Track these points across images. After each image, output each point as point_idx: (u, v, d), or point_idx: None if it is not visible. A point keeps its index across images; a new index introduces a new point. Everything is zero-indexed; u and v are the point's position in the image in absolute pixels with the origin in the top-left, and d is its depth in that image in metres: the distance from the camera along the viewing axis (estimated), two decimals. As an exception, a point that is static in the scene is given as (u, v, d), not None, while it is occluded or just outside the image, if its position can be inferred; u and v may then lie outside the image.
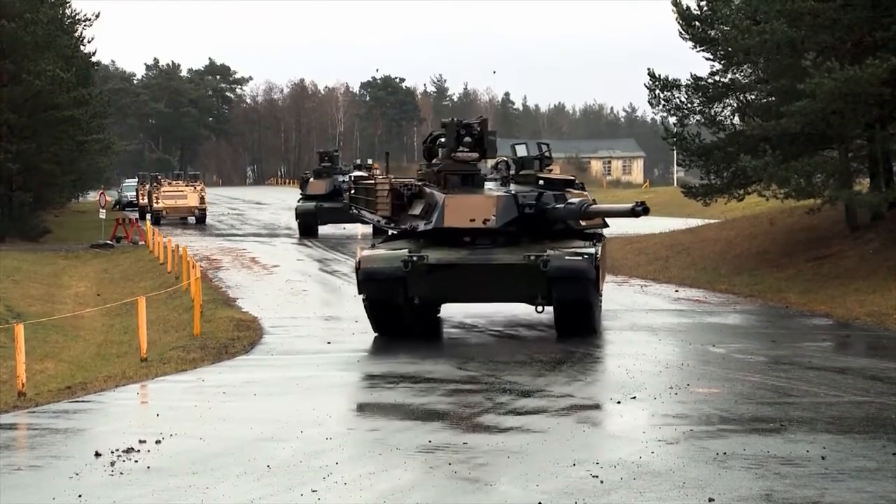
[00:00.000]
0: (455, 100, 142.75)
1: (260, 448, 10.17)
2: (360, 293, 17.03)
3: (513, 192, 17.09)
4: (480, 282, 16.40)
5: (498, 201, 16.85)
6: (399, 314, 16.90)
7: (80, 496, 8.56)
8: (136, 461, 9.67)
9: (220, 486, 8.89)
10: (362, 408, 12.17)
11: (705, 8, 32.03)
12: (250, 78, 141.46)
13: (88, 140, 51.65)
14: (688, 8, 32.17)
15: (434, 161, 18.17)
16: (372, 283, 16.57)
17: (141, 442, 10.31)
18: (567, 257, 15.95)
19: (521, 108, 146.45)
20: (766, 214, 34.55)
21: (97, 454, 9.89)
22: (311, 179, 42.38)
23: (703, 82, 32.49)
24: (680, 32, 32.37)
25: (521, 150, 18.41)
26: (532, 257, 16.01)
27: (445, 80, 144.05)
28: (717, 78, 32.56)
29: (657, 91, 32.83)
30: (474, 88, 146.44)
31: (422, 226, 17.12)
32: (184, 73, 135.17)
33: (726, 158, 30.28)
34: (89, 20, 52.58)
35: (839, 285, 23.30)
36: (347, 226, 41.60)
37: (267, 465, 9.56)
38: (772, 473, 9.00)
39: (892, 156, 28.12)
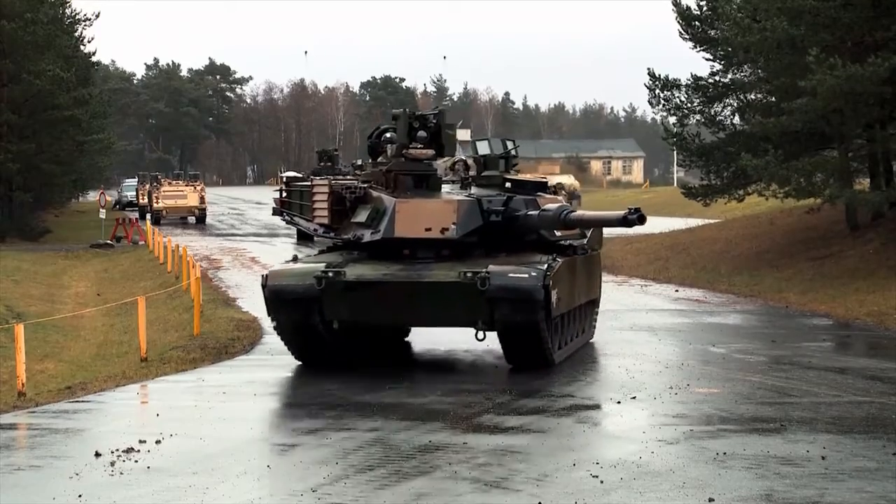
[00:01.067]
0: (455, 100, 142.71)
1: (260, 448, 10.17)
2: (269, 315, 14.72)
3: (476, 196, 14.68)
4: (409, 303, 13.86)
5: (459, 207, 14.34)
6: (318, 341, 14.45)
7: (80, 496, 8.56)
8: (136, 461, 9.67)
9: (221, 486, 8.89)
10: (362, 407, 12.15)
11: (705, 8, 32.05)
12: (250, 78, 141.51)
13: (88, 140, 51.67)
14: (688, 8, 32.20)
15: (381, 159, 15.64)
16: (280, 304, 14.18)
17: (141, 442, 10.31)
18: (511, 274, 13.35)
19: (521, 108, 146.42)
20: (766, 214, 34.55)
21: (97, 454, 9.89)
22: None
23: (703, 82, 32.52)
24: (680, 32, 32.40)
25: (484, 148, 16.23)
26: (468, 274, 13.37)
27: (445, 80, 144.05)
28: (717, 78, 32.60)
29: (657, 91, 32.86)
30: (474, 88, 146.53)
31: (368, 236, 14.48)
32: (184, 73, 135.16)
33: (726, 158, 30.32)
34: (89, 20, 52.60)
35: (839, 285, 23.31)
36: None
37: (267, 464, 9.56)
38: (772, 473, 9.00)
39: (893, 155, 28.13)
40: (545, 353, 13.96)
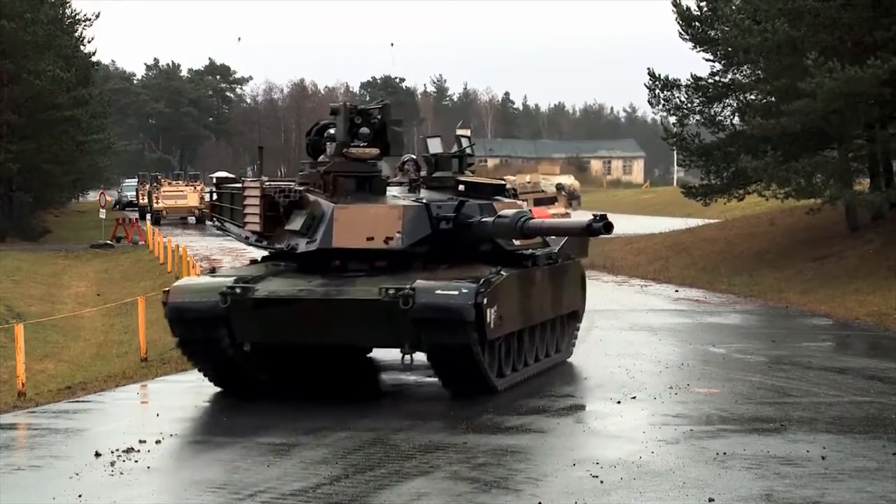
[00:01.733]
0: (455, 100, 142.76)
1: (260, 447, 10.17)
2: (173, 336, 12.97)
3: (425, 200, 13.08)
4: (325, 323, 12.17)
5: (405, 213, 12.76)
6: (230, 365, 12.74)
7: (80, 496, 8.56)
8: (136, 461, 9.67)
9: (221, 486, 8.88)
10: (361, 407, 12.16)
11: (705, 8, 32.09)
12: (250, 78, 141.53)
13: (88, 140, 51.70)
14: (688, 8, 32.24)
15: (321, 159, 13.80)
16: (183, 324, 12.48)
17: (141, 442, 10.31)
18: (439, 291, 11.67)
19: (520, 108, 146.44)
20: (766, 214, 34.57)
21: (97, 454, 9.88)
22: None
23: (703, 82, 32.56)
24: (680, 32, 32.43)
25: (435, 146, 14.37)
26: (391, 292, 11.71)
27: (445, 80, 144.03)
28: (717, 78, 32.65)
29: (657, 91, 32.91)
30: (474, 88, 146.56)
31: (302, 245, 12.90)
32: (184, 73, 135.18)
33: (726, 158, 30.37)
34: (89, 20, 52.64)
35: (839, 285, 23.32)
36: None
37: (267, 464, 9.56)
38: (772, 473, 9.00)
39: (892, 156, 28.16)
40: (482, 378, 12.21)
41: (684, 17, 32.20)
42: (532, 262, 13.69)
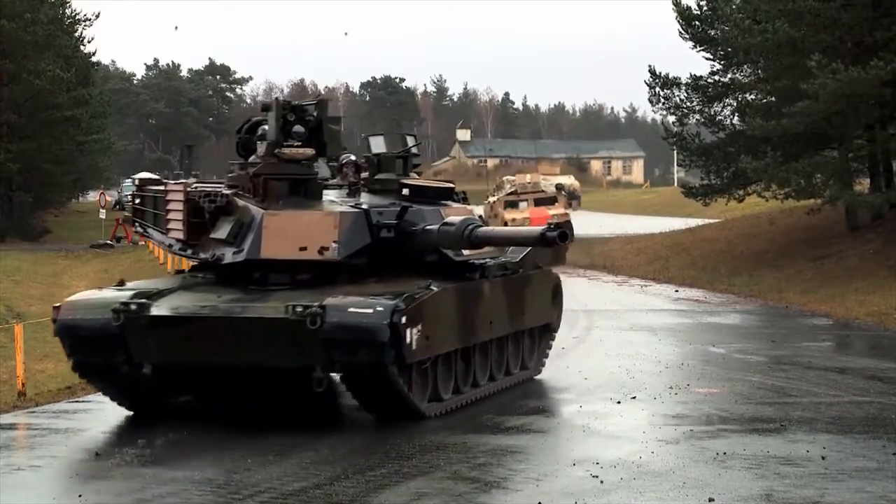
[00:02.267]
0: (455, 100, 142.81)
1: (261, 446, 10.16)
2: (67, 357, 11.82)
3: (365, 206, 11.84)
4: (227, 344, 10.89)
5: (342, 221, 11.53)
6: (133, 387, 11.54)
7: (80, 496, 8.56)
8: (137, 461, 9.67)
9: (221, 486, 8.88)
10: (360, 407, 12.15)
11: (705, 8, 32.10)
12: (250, 78, 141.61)
13: (88, 140, 51.69)
14: (688, 8, 32.24)
15: (252, 159, 12.52)
16: (74, 344, 11.42)
17: (141, 441, 10.31)
18: (352, 309, 10.42)
19: (520, 108, 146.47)
20: (766, 214, 34.58)
21: (97, 454, 9.89)
22: None
23: (703, 82, 32.57)
24: (680, 32, 32.44)
25: (378, 145, 13.12)
26: (298, 310, 10.44)
27: (445, 80, 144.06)
28: (717, 78, 32.66)
29: (657, 89, 32.91)
30: (474, 88, 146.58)
31: (229, 256, 11.59)
32: (184, 73, 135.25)
33: (726, 158, 30.38)
34: (89, 20, 52.63)
35: (839, 285, 23.32)
36: None
37: (268, 463, 9.55)
38: (772, 473, 9.00)
39: (893, 156, 28.17)
40: (404, 402, 10.92)
41: (684, 16, 32.21)
42: (481, 273, 12.24)
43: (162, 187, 13.05)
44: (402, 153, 13.11)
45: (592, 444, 10.25)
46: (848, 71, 23.50)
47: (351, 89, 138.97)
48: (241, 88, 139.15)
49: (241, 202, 11.81)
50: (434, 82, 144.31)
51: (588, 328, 18.60)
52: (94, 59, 58.42)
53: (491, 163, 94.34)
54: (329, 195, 12.19)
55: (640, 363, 14.80)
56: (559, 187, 41.66)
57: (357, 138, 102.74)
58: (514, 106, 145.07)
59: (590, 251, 32.55)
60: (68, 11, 51.73)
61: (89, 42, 55.44)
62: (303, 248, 11.43)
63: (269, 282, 11.53)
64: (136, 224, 14.09)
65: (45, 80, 43.22)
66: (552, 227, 11.33)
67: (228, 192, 11.95)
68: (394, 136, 13.70)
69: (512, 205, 37.62)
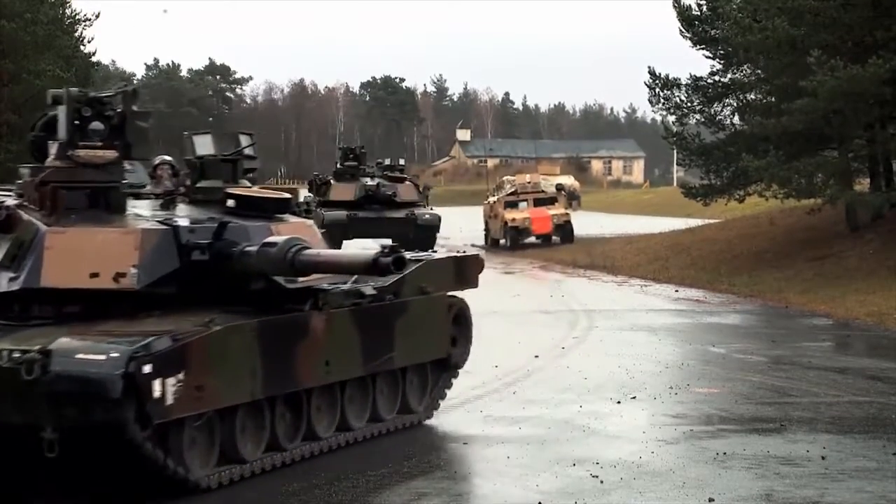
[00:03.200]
0: (455, 100, 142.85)
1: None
2: None
3: (176, 221, 9.56)
4: None
5: (143, 240, 9.23)
6: None
7: (79, 496, 8.52)
8: (136, 461, 9.64)
9: (221, 485, 8.87)
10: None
11: (705, 7, 32.09)
12: (250, 78, 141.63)
13: (88, 140, 51.65)
14: (688, 7, 32.22)
15: (48, 162, 9.88)
16: None
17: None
18: (81, 356, 8.15)
19: (521, 108, 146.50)
20: (766, 214, 34.58)
21: (96, 454, 9.83)
22: (333, 182, 34.27)
23: (703, 82, 32.56)
24: (680, 31, 32.42)
25: (204, 145, 10.91)
26: (15, 354, 8.22)
27: (445, 80, 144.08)
28: (717, 77, 32.64)
29: (657, 89, 32.90)
30: (474, 88, 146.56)
31: (3, 283, 9.10)
32: (184, 73, 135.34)
33: (726, 158, 30.37)
34: (89, 20, 52.50)
35: (839, 285, 23.31)
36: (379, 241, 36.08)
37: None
38: (772, 473, 9.00)
39: (893, 156, 28.18)
40: (159, 469, 8.42)
41: (684, 15, 32.19)
42: (314, 303, 9.76)
43: None
44: (231, 155, 10.81)
45: (592, 444, 10.25)
46: (847, 69, 23.50)
47: (351, 89, 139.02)
48: (241, 88, 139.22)
49: (25, 216, 9.36)
50: (434, 82, 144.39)
51: (588, 328, 18.60)
52: (94, 59, 58.34)
53: (491, 163, 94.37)
54: (137, 207, 9.83)
55: (640, 363, 14.80)
56: (559, 187, 41.66)
57: (357, 139, 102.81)
58: (514, 106, 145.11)
59: (590, 251, 32.56)
60: (68, 11, 51.66)
61: (89, 42, 55.27)
62: (94, 275, 9.08)
63: (32, 314, 9.08)
64: None
65: (45, 80, 43.14)
66: (386, 250, 9.01)
67: (15, 202, 9.50)
68: (226, 136, 11.52)
69: (512, 205, 37.64)
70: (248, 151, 11.08)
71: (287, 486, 8.78)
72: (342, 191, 33.57)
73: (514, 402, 12.19)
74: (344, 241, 32.03)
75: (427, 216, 32.83)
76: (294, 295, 9.74)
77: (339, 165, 35.16)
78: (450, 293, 11.77)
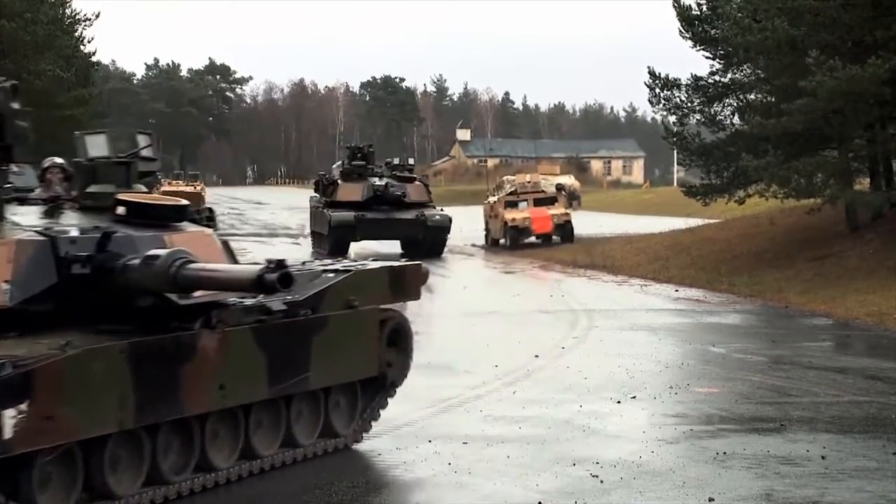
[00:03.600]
0: (455, 100, 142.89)
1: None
2: None
3: (54, 232, 8.53)
4: None
5: (17, 252, 8.30)
6: None
7: (79, 496, 8.51)
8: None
9: (220, 485, 8.88)
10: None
11: (705, 7, 32.09)
12: (250, 78, 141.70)
13: (89, 140, 51.65)
14: (688, 7, 32.22)
15: None
16: None
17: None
18: None
19: (520, 107, 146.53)
20: (766, 214, 34.57)
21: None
22: (340, 182, 33.44)
23: (703, 82, 32.56)
24: (680, 31, 32.41)
25: (97, 146, 9.83)
26: None
27: (445, 80, 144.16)
28: (717, 77, 32.63)
29: (657, 90, 32.89)
30: (474, 88, 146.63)
31: None
32: (184, 73, 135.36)
33: (726, 158, 30.37)
34: (89, 20, 52.55)
35: (839, 285, 23.30)
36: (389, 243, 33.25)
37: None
38: (772, 473, 9.00)
39: (893, 155, 28.18)
40: None
41: (684, 15, 32.18)
42: (206, 321, 8.75)
43: None
44: (127, 157, 9.78)
45: (592, 444, 10.25)
46: (846, 69, 23.50)
47: (351, 89, 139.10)
48: (241, 88, 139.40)
49: None
50: (434, 82, 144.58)
51: (588, 328, 18.59)
52: (94, 58, 58.39)
53: (491, 163, 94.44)
54: (18, 215, 8.83)
55: (640, 363, 14.80)
56: (559, 187, 41.63)
57: (357, 139, 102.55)
58: (514, 106, 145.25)
59: (590, 251, 32.54)
60: (68, 11, 51.70)
61: (89, 42, 55.37)
62: None
63: None
64: None
65: (45, 80, 43.22)
66: (272, 265, 7.99)
67: None
68: (123, 135, 10.52)
69: (512, 205, 37.64)
70: (145, 153, 10.04)
71: (288, 485, 8.79)
72: (350, 191, 32.65)
73: (514, 402, 12.19)
74: (351, 244, 31.92)
75: (437, 217, 32.50)
76: (185, 312, 8.70)
77: (345, 165, 34.31)
78: (385, 306, 10.66)
